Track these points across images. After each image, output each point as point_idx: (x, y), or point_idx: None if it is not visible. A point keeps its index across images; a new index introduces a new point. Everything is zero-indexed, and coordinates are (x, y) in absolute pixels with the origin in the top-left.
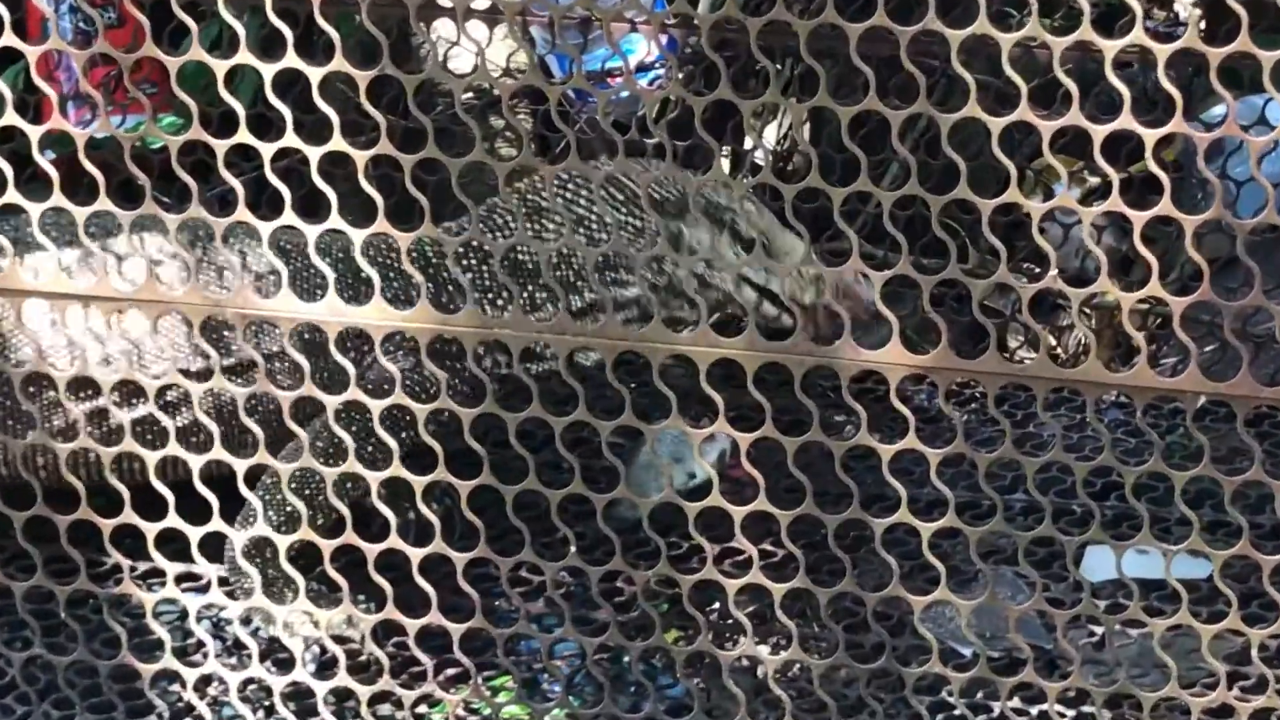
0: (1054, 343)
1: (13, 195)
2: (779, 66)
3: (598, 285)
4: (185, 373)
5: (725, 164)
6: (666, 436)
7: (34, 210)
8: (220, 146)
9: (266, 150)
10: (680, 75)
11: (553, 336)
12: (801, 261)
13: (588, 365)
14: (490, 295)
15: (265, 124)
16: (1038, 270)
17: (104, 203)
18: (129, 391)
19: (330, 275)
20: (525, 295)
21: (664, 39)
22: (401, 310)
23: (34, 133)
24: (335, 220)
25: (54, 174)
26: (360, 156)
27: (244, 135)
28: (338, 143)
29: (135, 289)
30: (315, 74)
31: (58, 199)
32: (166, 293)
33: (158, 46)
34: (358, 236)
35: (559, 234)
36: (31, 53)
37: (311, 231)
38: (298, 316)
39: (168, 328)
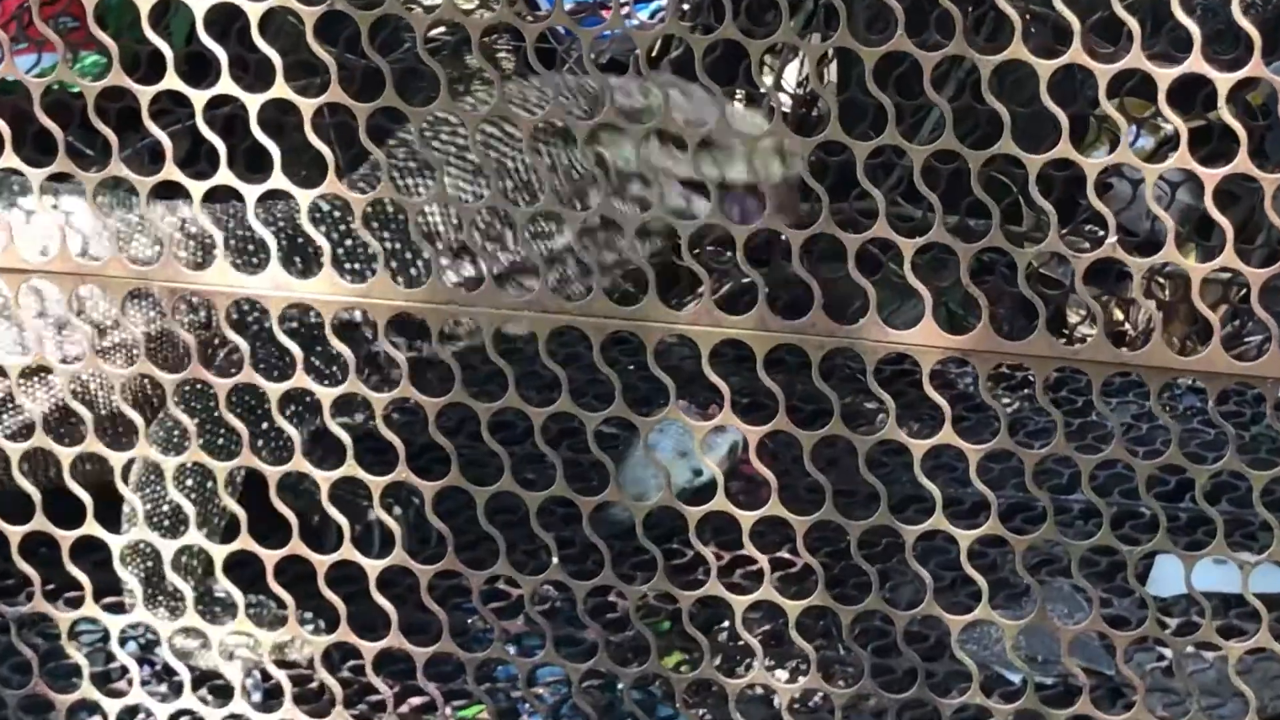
0: (1121, 318)
1: None
2: None
3: (522, 241)
4: (103, 354)
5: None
6: (669, 427)
7: None
8: (146, 94)
9: (199, 98)
10: (685, 7)
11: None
12: (757, 131)
13: (517, 338)
14: (396, 262)
15: (201, 66)
16: (1100, 234)
17: (9, 158)
18: (39, 377)
19: (272, 243)
20: (422, 262)
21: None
22: (355, 283)
23: None
24: (278, 179)
25: None
26: (308, 105)
27: (173, 80)
28: (281, 89)
29: (47, 258)
30: (256, 9)
31: None
32: (84, 263)
33: None
34: (304, 199)
35: (457, 187)
36: None
37: (251, 193)
38: (236, 291)
39: (84, 303)
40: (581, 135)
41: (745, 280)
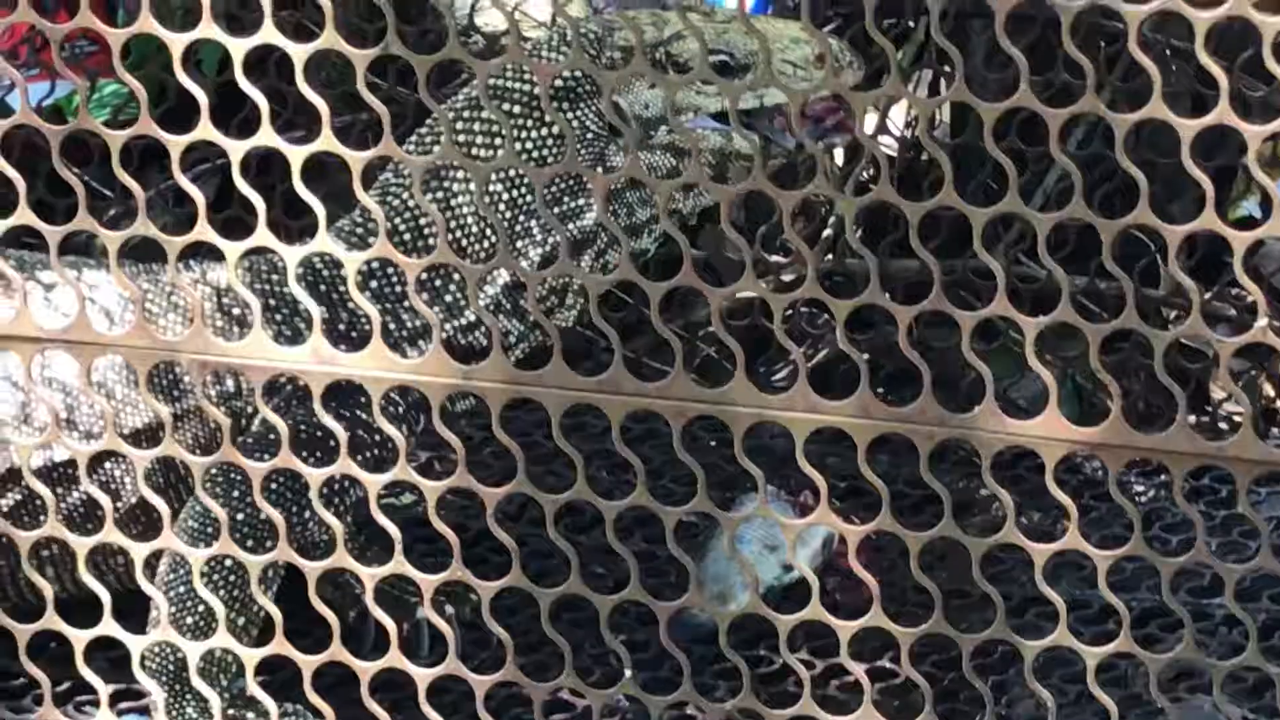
0: (1275, 395)
1: None
2: (912, 23)
3: (552, 223)
4: (125, 434)
5: (839, 153)
6: (755, 517)
7: None
8: (177, 145)
9: (235, 149)
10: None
11: (604, 398)
12: (797, 41)
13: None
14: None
15: (233, 99)
16: (1250, 300)
17: (24, 214)
18: (56, 461)
19: (316, 312)
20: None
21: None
22: (406, 358)
23: None
24: (323, 240)
25: None
26: (356, 160)
27: (207, 129)
28: (328, 140)
29: (65, 326)
30: (301, 53)
31: None
32: (105, 332)
33: None
34: (352, 264)
35: (468, 187)
36: None
37: (291, 256)
38: (274, 365)
39: (104, 375)
40: (589, 90)
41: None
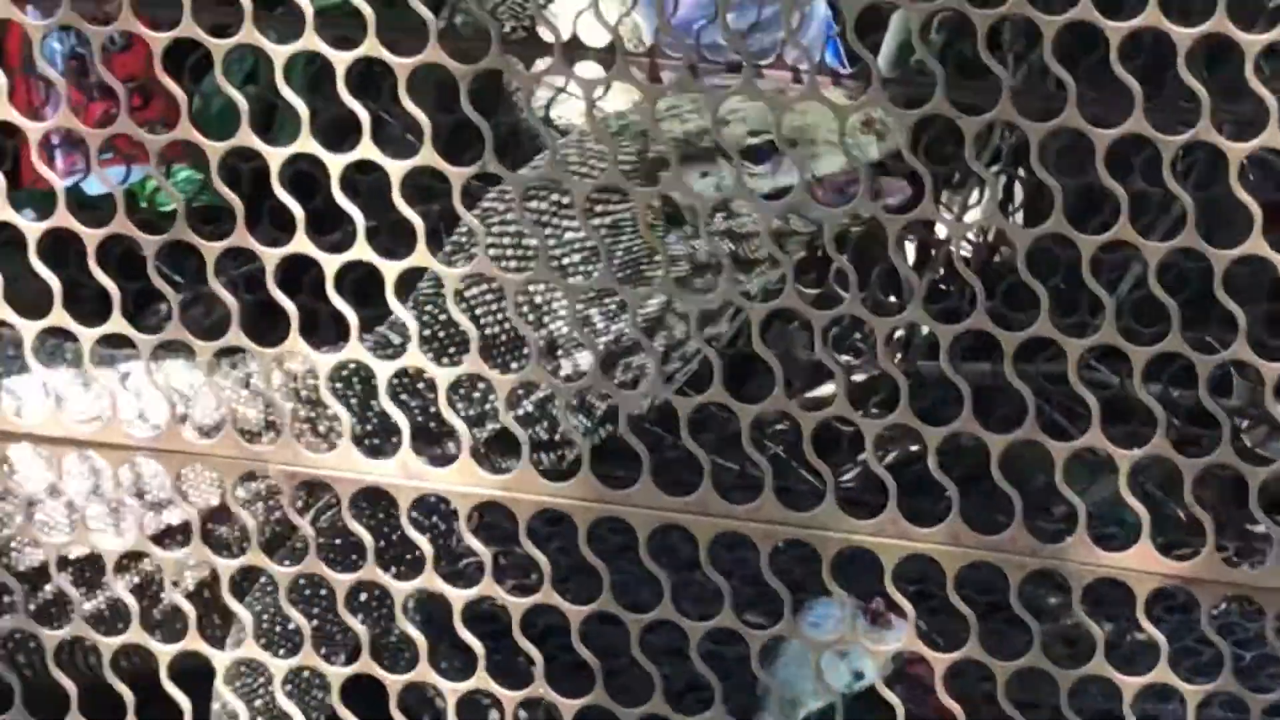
0: None
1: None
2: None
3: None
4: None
5: (910, 251)
6: (824, 620)
7: (25, 329)
8: (272, 258)
9: (330, 263)
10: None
11: (693, 519)
12: (842, 115)
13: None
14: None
15: (308, 179)
16: None
17: (118, 323)
18: (84, 560)
19: (405, 424)
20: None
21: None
22: (498, 474)
23: (0, 182)
24: (415, 355)
25: (32, 239)
26: (450, 277)
27: (304, 243)
28: (422, 256)
29: (154, 434)
30: (397, 170)
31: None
32: (194, 441)
33: (173, 80)
34: (443, 379)
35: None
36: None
37: (383, 370)
38: (362, 477)
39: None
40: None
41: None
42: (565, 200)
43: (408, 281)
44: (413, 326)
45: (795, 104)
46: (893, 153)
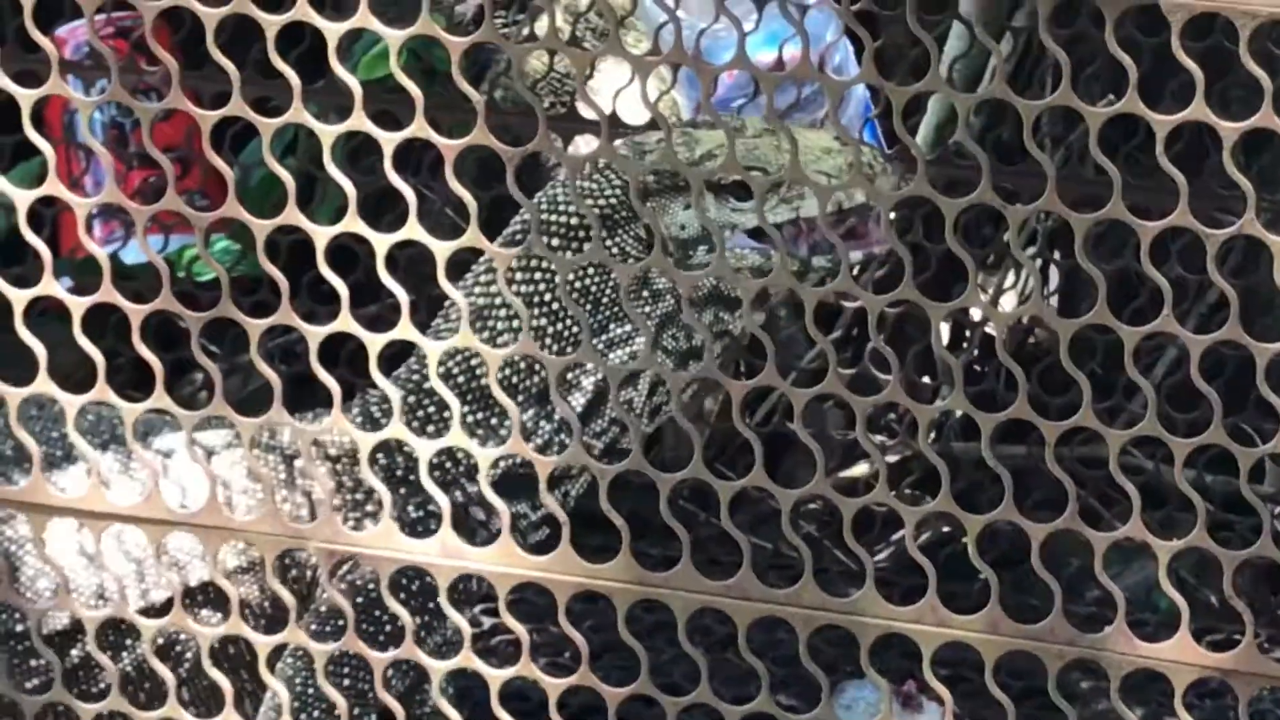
0: None
1: (45, 382)
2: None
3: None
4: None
5: (945, 331)
6: (857, 703)
7: (68, 403)
8: (315, 337)
9: (375, 342)
10: (891, 220)
11: (734, 602)
12: (830, 151)
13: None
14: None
15: (346, 251)
16: None
17: (163, 398)
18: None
19: (445, 505)
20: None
21: None
22: (538, 555)
23: (47, 256)
24: (457, 436)
25: (75, 309)
26: (494, 359)
27: (350, 323)
28: (465, 336)
29: (194, 510)
30: (442, 250)
31: (99, 393)
32: (232, 517)
33: (216, 152)
34: (485, 459)
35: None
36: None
37: (425, 450)
38: (401, 557)
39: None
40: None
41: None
42: (554, 243)
43: (445, 360)
44: (455, 407)
45: (778, 139)
46: (886, 197)
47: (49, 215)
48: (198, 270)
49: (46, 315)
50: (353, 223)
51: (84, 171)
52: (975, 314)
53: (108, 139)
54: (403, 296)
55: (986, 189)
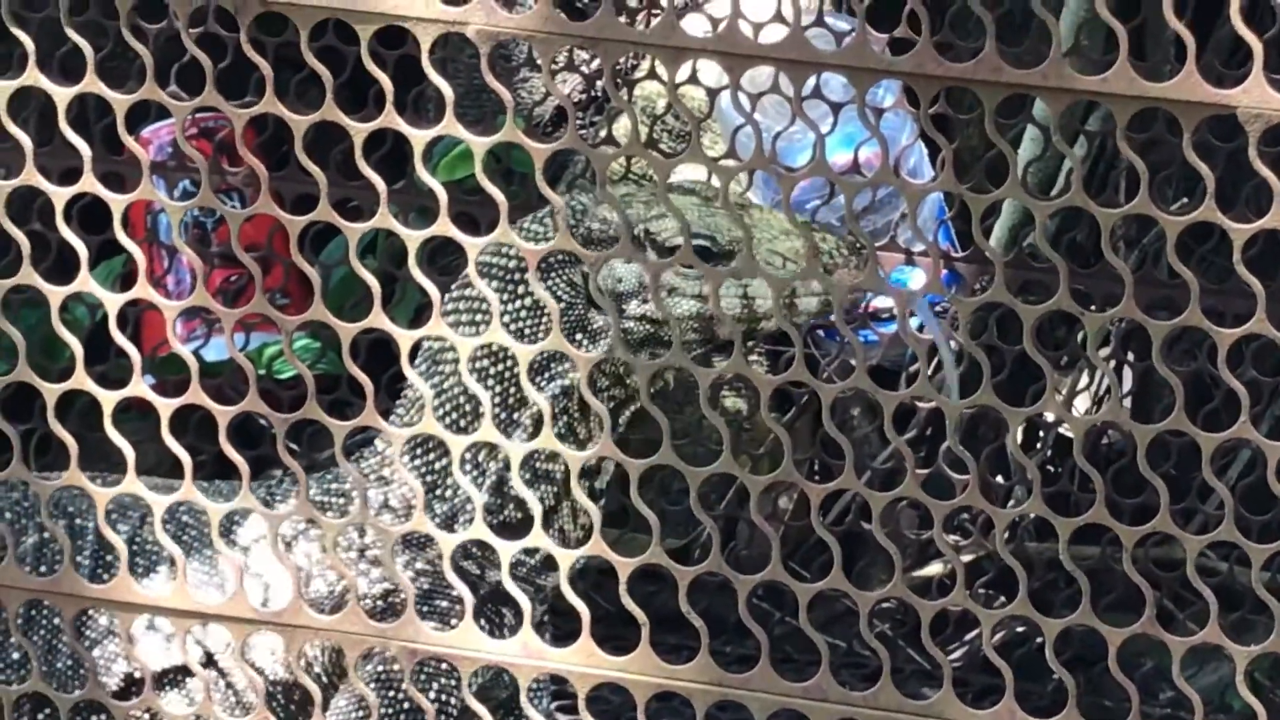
0: None
1: (132, 480)
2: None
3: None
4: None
5: (1019, 430)
6: None
7: (155, 503)
8: (400, 436)
9: (456, 447)
10: (965, 324)
11: (810, 704)
12: (789, 233)
13: None
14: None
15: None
16: None
17: (247, 499)
18: None
19: (526, 604)
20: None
21: (945, 275)
22: (616, 655)
23: (135, 357)
24: (539, 536)
25: (164, 410)
26: (577, 461)
27: (429, 422)
28: (547, 439)
29: (277, 609)
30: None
31: (186, 493)
32: (316, 617)
33: (300, 244)
34: (566, 562)
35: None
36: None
37: (506, 550)
38: (483, 656)
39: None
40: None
41: None
42: (494, 285)
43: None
44: (536, 507)
45: (744, 212)
46: (844, 287)
47: (132, 314)
48: (279, 368)
49: (129, 412)
50: (437, 326)
51: (167, 271)
52: (1049, 415)
53: (190, 238)
54: (484, 396)
55: (1065, 295)
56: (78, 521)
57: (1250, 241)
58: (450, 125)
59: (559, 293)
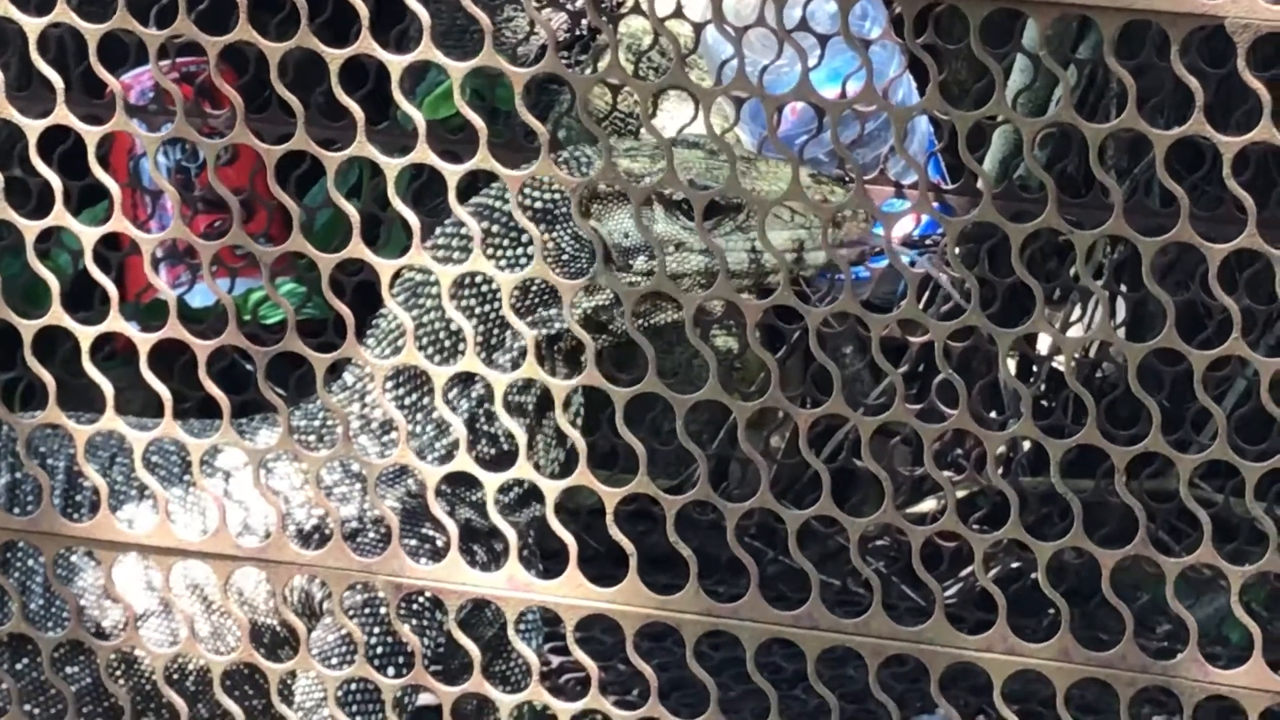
0: None
1: (111, 418)
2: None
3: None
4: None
5: (1011, 365)
6: None
7: (136, 439)
8: (383, 368)
9: (439, 378)
10: (957, 253)
11: (802, 632)
12: (795, 188)
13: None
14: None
15: None
16: None
17: (228, 435)
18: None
19: (512, 536)
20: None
21: (936, 206)
22: (605, 587)
23: (113, 292)
24: (523, 468)
25: (142, 345)
26: (560, 390)
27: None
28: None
29: (261, 544)
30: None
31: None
32: (300, 553)
33: (283, 190)
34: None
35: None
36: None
37: (491, 482)
38: (469, 589)
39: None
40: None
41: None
42: (494, 229)
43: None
44: (521, 437)
45: (749, 166)
46: (851, 243)
47: (115, 260)
48: (264, 313)
49: (114, 359)
50: (416, 256)
51: (150, 216)
52: (1043, 348)
53: (173, 183)
54: (467, 327)
55: (1053, 213)
56: (49, 461)
57: (1242, 167)
58: (428, 50)
59: (563, 244)
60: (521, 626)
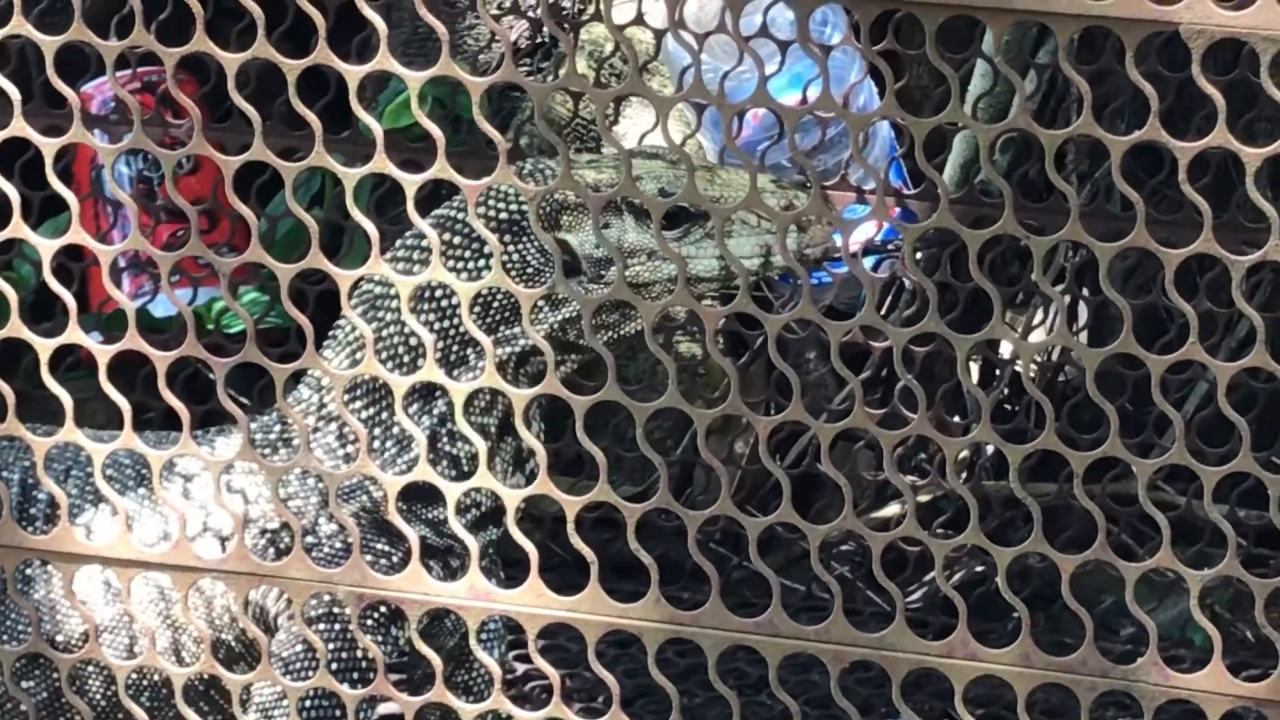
0: None
1: (72, 432)
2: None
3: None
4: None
5: (974, 372)
6: None
7: (95, 451)
8: (343, 378)
9: (399, 388)
10: (918, 258)
11: (762, 639)
12: (762, 193)
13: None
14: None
15: None
16: None
17: (188, 446)
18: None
19: (473, 544)
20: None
21: (897, 212)
22: (567, 596)
23: (71, 304)
24: (484, 478)
25: (101, 357)
26: (521, 400)
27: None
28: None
29: (221, 557)
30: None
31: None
32: (261, 564)
33: (242, 201)
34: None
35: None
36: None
37: (452, 491)
38: (430, 600)
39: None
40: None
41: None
42: (455, 240)
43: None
44: (482, 448)
45: (712, 175)
46: (815, 246)
47: (78, 270)
48: (227, 322)
49: (76, 371)
50: (376, 265)
51: (111, 226)
52: (1005, 353)
53: (135, 194)
54: (427, 338)
55: (1010, 219)
56: (3, 474)
57: (1201, 172)
58: (385, 60)
59: (528, 257)
60: (484, 635)
